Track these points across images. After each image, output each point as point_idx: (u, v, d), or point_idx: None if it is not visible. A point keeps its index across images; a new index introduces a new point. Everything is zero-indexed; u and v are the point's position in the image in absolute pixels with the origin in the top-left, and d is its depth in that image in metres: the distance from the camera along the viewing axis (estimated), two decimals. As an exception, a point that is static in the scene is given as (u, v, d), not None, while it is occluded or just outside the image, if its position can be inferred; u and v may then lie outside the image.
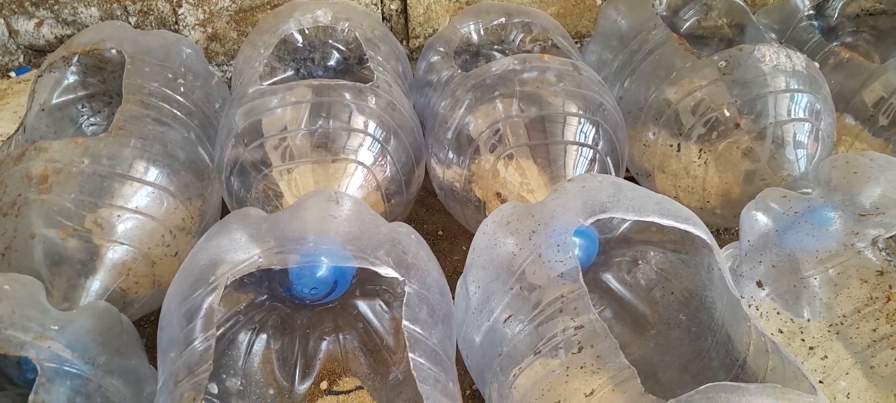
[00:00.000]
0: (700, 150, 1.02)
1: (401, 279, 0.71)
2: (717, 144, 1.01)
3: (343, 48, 1.28)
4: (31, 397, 0.64)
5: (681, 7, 1.28)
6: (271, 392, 0.88)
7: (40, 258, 0.86)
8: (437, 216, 1.22)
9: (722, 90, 0.99)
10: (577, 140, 0.96)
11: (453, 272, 1.11)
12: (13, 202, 0.89)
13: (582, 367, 0.62)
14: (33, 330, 0.69)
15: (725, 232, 1.19)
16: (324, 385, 0.91)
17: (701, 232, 0.74)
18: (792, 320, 0.77)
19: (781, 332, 0.77)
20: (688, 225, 0.72)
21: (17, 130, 1.08)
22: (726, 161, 1.01)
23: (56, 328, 0.71)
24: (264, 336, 0.90)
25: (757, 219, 0.83)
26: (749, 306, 0.81)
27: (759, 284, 0.80)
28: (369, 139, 0.99)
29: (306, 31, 1.23)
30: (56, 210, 0.87)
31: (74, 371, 0.69)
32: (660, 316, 0.90)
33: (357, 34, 1.19)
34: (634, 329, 0.92)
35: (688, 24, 1.29)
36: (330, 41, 1.27)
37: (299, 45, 1.25)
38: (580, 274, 0.66)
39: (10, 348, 0.67)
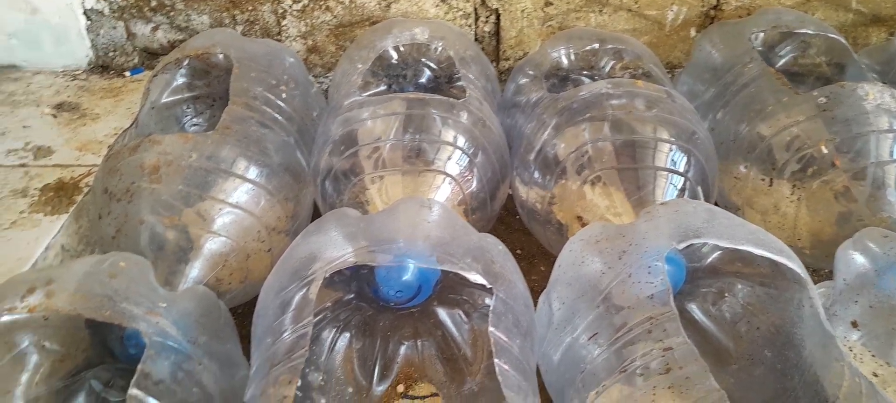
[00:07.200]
0: (793, 187, 1.00)
1: (488, 286, 0.73)
2: (811, 182, 0.99)
3: (435, 66, 1.31)
4: (139, 366, 0.68)
5: (778, 42, 1.26)
6: (350, 390, 0.91)
7: (146, 243, 0.92)
8: (516, 235, 1.23)
9: (820, 127, 0.97)
10: (667, 167, 0.96)
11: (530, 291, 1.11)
12: (126, 189, 0.95)
13: (670, 387, 0.62)
14: (144, 305, 0.74)
15: (813, 274, 1.15)
16: (400, 388, 0.92)
17: (795, 265, 0.72)
18: (888, 364, 0.74)
19: (876, 376, 0.74)
20: (782, 258, 0.71)
21: (131, 125, 1.16)
22: (820, 200, 0.98)
23: (164, 305, 0.76)
24: (347, 334, 0.93)
25: (854, 259, 0.81)
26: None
27: (854, 325, 0.77)
28: (458, 153, 1.02)
29: (401, 49, 1.28)
30: (163, 199, 0.93)
31: (177, 347, 0.73)
32: (743, 351, 0.88)
33: (451, 53, 1.22)
34: (716, 362, 0.90)
35: (784, 60, 1.27)
36: (423, 59, 1.30)
37: (393, 61, 1.30)
38: (671, 296, 0.66)
39: (124, 319, 0.72)
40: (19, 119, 1.37)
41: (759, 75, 1.10)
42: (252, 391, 0.70)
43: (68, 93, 1.46)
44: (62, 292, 0.73)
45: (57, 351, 0.81)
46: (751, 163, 1.05)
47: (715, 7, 1.44)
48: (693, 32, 1.47)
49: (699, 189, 0.98)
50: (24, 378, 0.79)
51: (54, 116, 1.38)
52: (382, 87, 1.32)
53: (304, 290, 0.73)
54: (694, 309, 0.92)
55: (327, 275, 0.74)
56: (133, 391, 0.67)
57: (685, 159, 0.97)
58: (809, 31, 1.22)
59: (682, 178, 0.97)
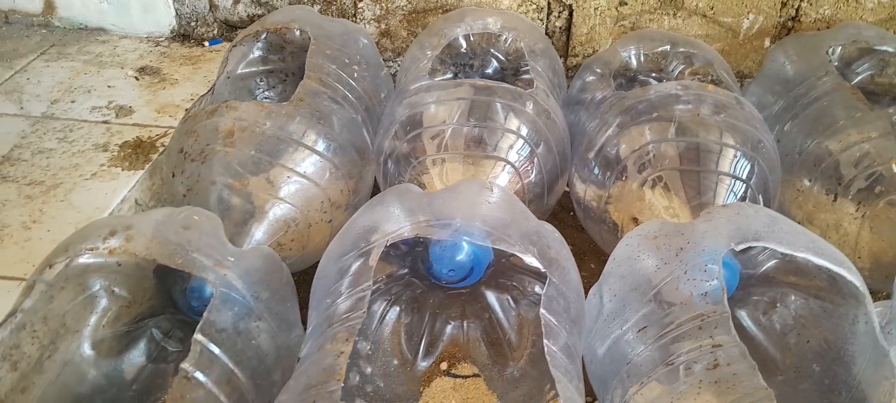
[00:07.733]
0: (858, 205, 0.98)
1: (542, 270, 0.74)
2: (877, 201, 0.97)
3: (502, 58, 1.33)
4: (205, 314, 0.72)
5: (856, 59, 1.23)
6: (395, 362, 0.94)
7: (215, 202, 0.96)
8: (568, 231, 1.23)
9: (892, 145, 0.95)
10: (730, 173, 0.95)
11: (580, 287, 1.12)
12: (201, 150, 0.99)
13: (715, 383, 0.62)
14: (214, 257, 0.78)
15: (871, 295, 1.12)
16: (443, 366, 0.95)
17: (854, 278, 0.72)
18: (943, 389, 0.73)
19: (930, 400, 0.73)
20: (842, 269, 0.70)
21: (208, 92, 1.21)
22: (885, 220, 0.96)
23: (232, 259, 0.80)
24: (397, 308, 0.96)
25: (916, 281, 0.80)
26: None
27: (911, 346, 0.76)
28: (521, 142, 1.03)
29: (471, 38, 1.29)
30: (236, 162, 0.97)
31: (241, 300, 0.77)
32: (791, 363, 0.88)
33: (521, 45, 1.24)
34: (762, 373, 0.89)
35: (860, 77, 1.23)
36: (491, 50, 1.32)
37: (462, 50, 1.32)
38: (725, 296, 0.67)
39: (195, 268, 0.76)
40: (104, 79, 1.45)
41: (832, 89, 1.08)
42: (309, 347, 0.74)
43: (151, 58, 1.54)
44: (140, 236, 0.78)
45: (125, 298, 0.86)
46: (815, 178, 1.03)
47: (793, 18, 1.42)
48: (767, 42, 1.44)
49: (760, 198, 0.97)
50: (93, 319, 0.84)
51: (137, 79, 1.45)
52: (449, 75, 1.34)
53: (364, 259, 0.76)
54: (743, 317, 0.92)
55: (386, 247, 0.77)
56: (198, 336, 0.71)
57: (749, 167, 0.96)
58: (889, 49, 1.18)
59: (744, 186, 0.96)
